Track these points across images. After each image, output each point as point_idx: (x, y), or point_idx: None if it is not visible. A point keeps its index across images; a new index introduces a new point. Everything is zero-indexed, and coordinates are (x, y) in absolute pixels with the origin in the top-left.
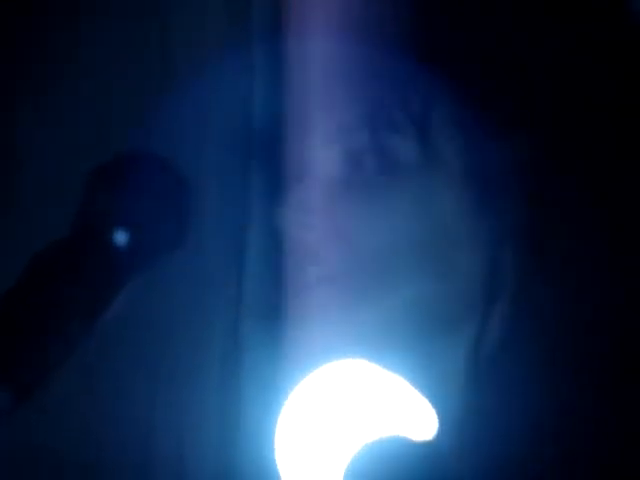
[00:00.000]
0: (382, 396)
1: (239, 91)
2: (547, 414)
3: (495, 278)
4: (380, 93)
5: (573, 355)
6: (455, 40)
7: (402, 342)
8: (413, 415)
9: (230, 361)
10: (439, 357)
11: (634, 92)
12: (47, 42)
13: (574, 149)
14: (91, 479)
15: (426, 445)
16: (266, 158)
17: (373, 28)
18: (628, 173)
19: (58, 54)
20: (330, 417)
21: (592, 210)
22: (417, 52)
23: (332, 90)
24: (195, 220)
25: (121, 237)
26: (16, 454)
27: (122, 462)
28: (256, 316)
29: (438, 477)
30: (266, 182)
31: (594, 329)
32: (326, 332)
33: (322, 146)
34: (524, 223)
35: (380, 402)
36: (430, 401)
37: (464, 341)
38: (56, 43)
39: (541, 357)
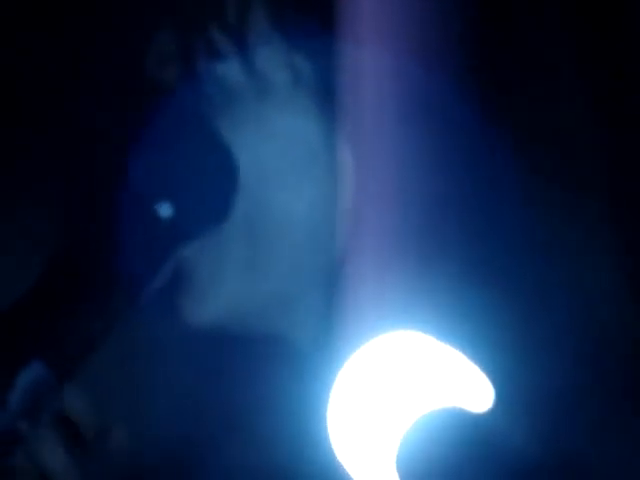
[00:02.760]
0: (437, 368)
1: None
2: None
3: None
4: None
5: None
6: None
7: (457, 312)
8: (469, 387)
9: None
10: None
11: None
12: None
13: None
14: None
15: (481, 417)
16: None
17: None
18: None
19: None
20: (385, 390)
21: None
22: None
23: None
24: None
25: (166, 209)
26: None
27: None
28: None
29: (493, 449)
30: None
31: None
32: (380, 302)
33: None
34: None
35: (435, 375)
36: (487, 374)
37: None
38: None
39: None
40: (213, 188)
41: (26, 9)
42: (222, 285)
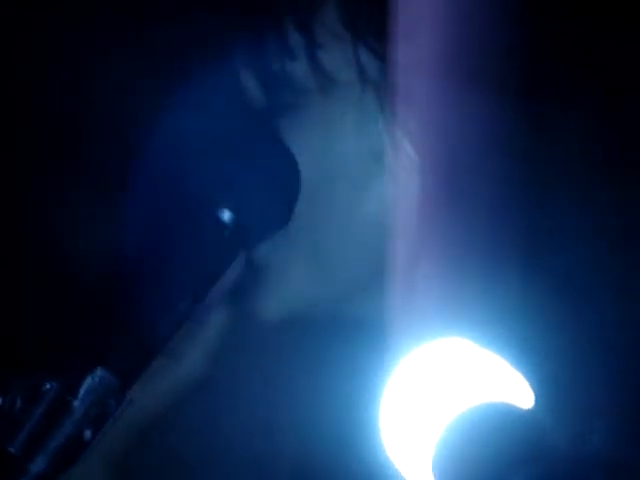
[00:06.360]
0: (480, 373)
1: None
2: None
3: None
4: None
5: None
6: None
7: (500, 319)
8: (509, 391)
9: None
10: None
11: None
12: None
13: None
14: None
15: (524, 412)
16: None
17: None
18: None
19: None
20: (430, 393)
21: None
22: None
23: None
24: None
25: (228, 215)
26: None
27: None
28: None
29: (536, 442)
30: None
31: None
32: (427, 311)
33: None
34: None
35: (478, 379)
36: (527, 378)
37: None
38: None
39: None
40: (275, 194)
41: None
42: (290, 277)
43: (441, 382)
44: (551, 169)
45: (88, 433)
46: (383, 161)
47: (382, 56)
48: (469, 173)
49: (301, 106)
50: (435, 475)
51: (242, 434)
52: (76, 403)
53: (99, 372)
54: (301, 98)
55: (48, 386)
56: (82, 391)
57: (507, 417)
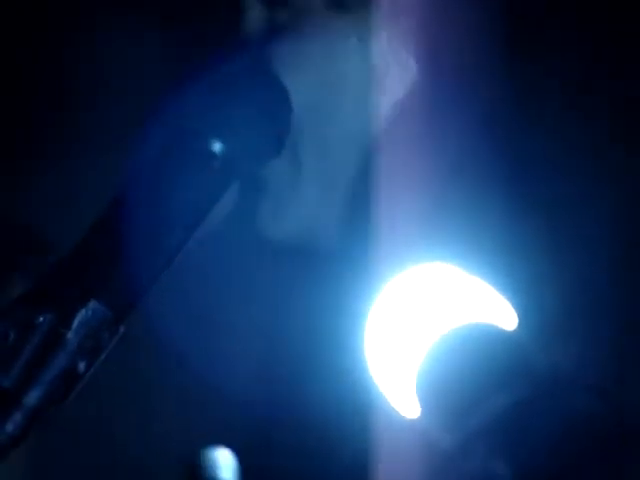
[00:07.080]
0: (464, 297)
1: None
2: None
3: None
4: None
5: None
6: None
7: (485, 245)
8: (494, 315)
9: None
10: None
11: None
12: None
13: None
14: None
15: (507, 332)
16: None
17: None
18: None
19: None
20: (414, 316)
21: None
22: None
23: None
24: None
25: (217, 146)
26: None
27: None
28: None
29: (519, 362)
30: None
31: None
32: (412, 236)
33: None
34: None
35: (462, 302)
36: (512, 303)
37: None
38: None
39: None
40: (265, 124)
41: None
42: (300, 203)
43: (425, 306)
44: (533, 91)
45: (82, 366)
46: (380, 77)
47: None
48: (456, 96)
49: (302, 26)
50: (419, 396)
51: (242, 342)
52: (69, 335)
53: (92, 304)
54: (301, 18)
55: (41, 318)
56: (75, 323)
57: (490, 337)
